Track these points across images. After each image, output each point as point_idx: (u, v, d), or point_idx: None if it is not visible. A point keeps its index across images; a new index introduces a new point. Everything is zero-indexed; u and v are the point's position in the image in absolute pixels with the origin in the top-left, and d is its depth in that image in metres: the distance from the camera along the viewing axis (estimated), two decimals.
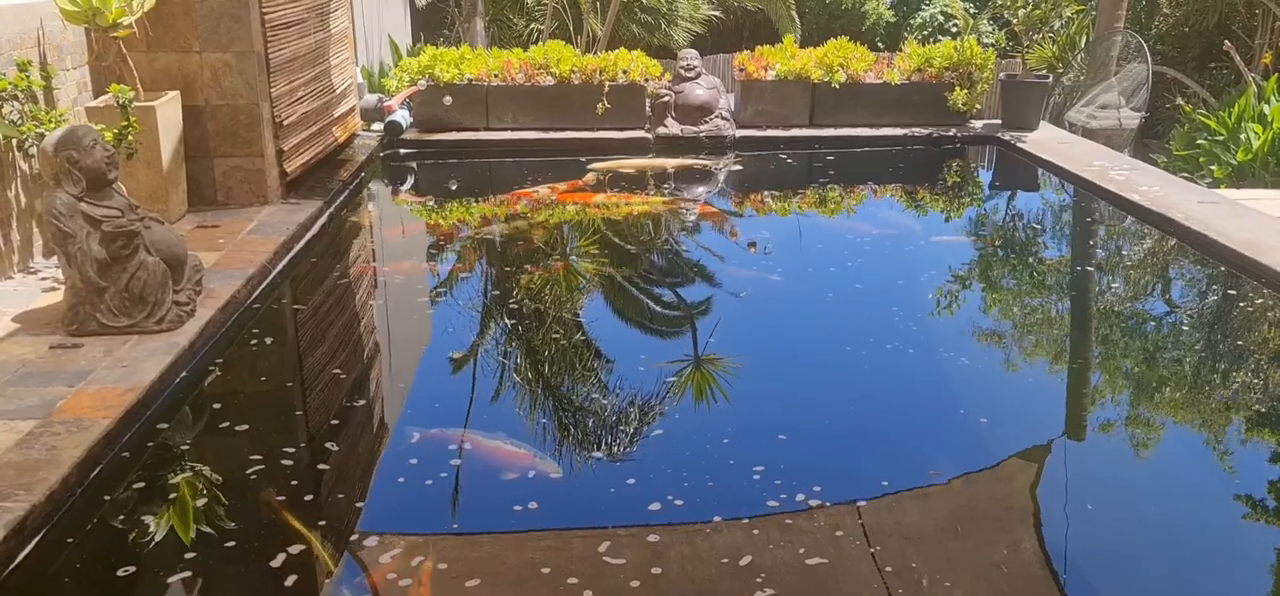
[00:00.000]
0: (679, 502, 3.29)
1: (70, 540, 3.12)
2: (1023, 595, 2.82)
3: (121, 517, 3.27)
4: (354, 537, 3.20)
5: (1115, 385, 4.39)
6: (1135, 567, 3.03)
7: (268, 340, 4.70)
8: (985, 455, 3.70)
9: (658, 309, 5.50)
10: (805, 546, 3.05)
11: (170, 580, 3.00)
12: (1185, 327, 5.00)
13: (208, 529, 3.21)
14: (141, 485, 3.43)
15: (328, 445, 3.75)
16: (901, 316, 5.04)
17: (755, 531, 3.13)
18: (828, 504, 3.27)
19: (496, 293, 5.50)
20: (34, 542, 3.04)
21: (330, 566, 3.10)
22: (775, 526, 3.17)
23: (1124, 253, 6.26)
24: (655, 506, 3.27)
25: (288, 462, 3.58)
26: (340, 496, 3.45)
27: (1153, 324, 5.10)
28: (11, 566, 2.95)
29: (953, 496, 3.36)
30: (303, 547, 3.11)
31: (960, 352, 4.62)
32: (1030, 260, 6.27)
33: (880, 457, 3.68)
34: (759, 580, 2.89)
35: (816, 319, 5.15)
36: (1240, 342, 4.75)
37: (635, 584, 2.89)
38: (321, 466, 3.61)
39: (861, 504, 3.30)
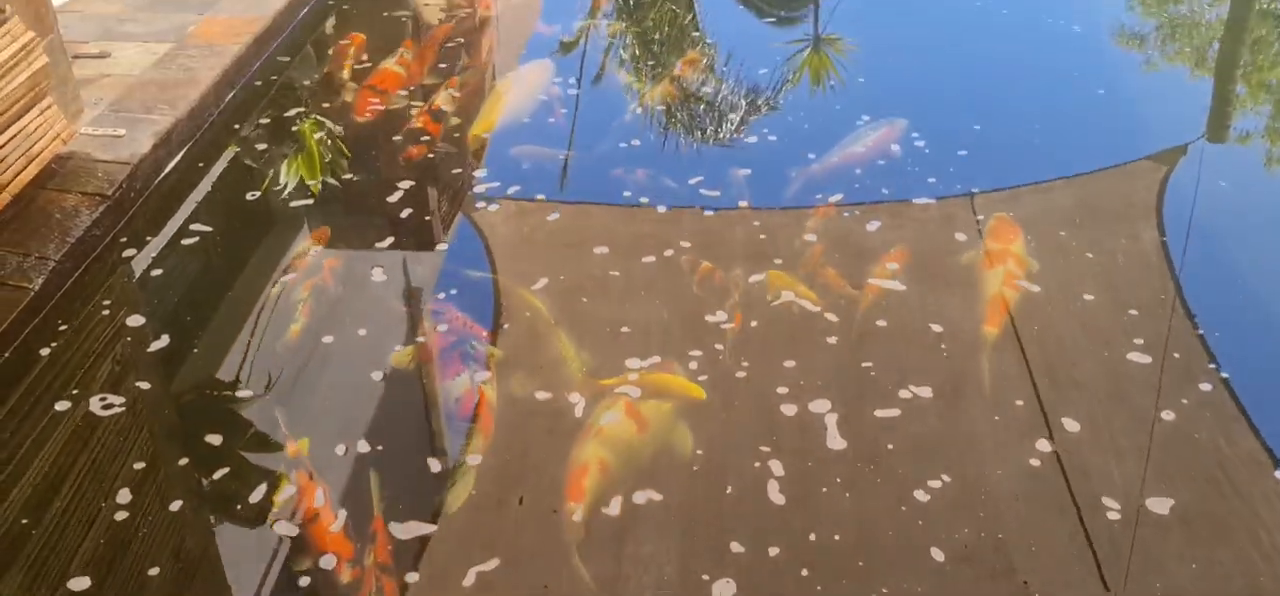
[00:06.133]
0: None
1: (200, 164, 3.29)
2: (1136, 284, 2.78)
3: (251, 153, 3.41)
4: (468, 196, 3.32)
5: (1260, 94, 4.11)
6: (1256, 278, 2.93)
7: None
8: (1116, 152, 3.56)
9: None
10: (916, 235, 3.05)
11: (295, 211, 3.18)
12: None
13: (332, 180, 3.32)
14: (267, 121, 3.56)
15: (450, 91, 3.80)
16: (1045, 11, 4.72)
17: (848, 214, 3.14)
18: (946, 196, 3.23)
19: None
20: (179, 157, 3.22)
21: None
22: (887, 213, 3.15)
23: None
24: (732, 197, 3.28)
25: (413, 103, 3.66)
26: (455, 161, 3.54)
27: None
28: (160, 177, 3.14)
29: (1076, 190, 3.27)
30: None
31: (1102, 46, 4.36)
32: None
33: (1006, 149, 3.57)
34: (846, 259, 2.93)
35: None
36: None
37: (743, 249, 2.99)
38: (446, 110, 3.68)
39: (976, 194, 3.25)
